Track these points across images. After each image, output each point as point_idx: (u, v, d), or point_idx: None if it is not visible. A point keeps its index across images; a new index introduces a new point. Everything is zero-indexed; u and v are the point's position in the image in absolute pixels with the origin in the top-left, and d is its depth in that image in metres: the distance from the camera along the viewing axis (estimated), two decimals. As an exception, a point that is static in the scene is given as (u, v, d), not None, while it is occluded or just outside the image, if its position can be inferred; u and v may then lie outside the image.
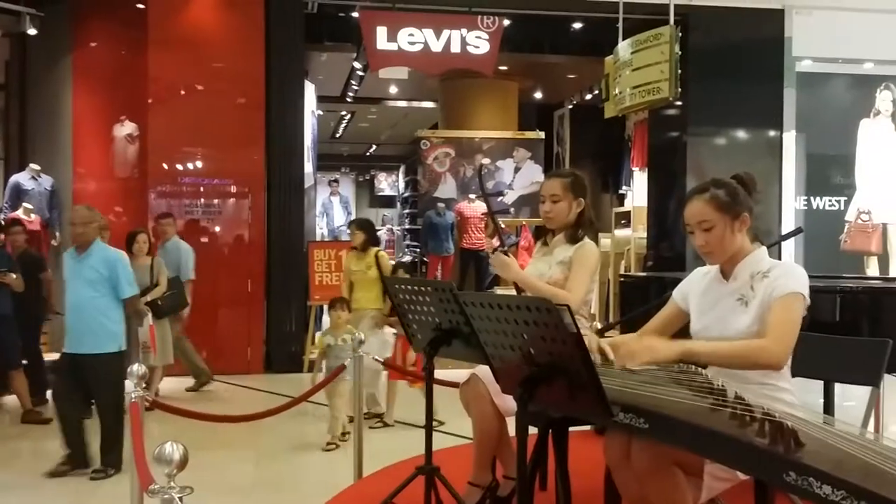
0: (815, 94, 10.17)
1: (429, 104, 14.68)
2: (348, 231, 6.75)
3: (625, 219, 11.31)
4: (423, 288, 3.13)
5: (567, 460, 3.08)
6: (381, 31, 8.50)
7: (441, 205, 11.87)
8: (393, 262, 6.39)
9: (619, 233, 11.25)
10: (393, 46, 8.50)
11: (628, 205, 12.00)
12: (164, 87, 8.10)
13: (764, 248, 2.57)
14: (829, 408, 3.44)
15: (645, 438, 2.23)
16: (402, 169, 20.46)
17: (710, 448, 1.95)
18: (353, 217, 14.87)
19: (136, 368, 3.22)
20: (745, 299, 2.48)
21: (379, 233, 16.93)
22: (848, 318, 3.25)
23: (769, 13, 8.80)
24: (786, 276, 2.42)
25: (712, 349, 2.41)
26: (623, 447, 2.43)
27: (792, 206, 9.45)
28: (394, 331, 5.78)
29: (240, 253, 8.27)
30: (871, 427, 3.87)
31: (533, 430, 3.15)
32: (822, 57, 9.83)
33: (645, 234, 9.98)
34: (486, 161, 11.71)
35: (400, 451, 4.61)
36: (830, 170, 10.22)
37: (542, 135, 12.52)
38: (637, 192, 11.57)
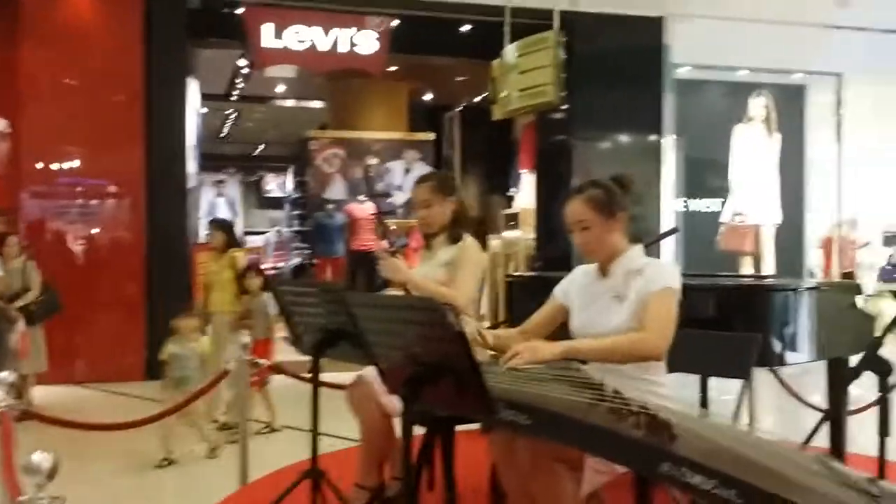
0: (693, 100, 10.59)
1: (317, 104, 14.53)
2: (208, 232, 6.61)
3: (513, 220, 11.47)
4: (310, 290, 3.10)
5: (453, 459, 3.09)
6: (267, 29, 8.35)
7: (330, 206, 11.76)
8: (247, 264, 6.25)
9: (508, 234, 11.40)
10: (279, 44, 8.37)
11: (516, 206, 12.18)
12: (38, 83, 7.73)
13: (639, 247, 2.66)
14: (705, 401, 3.58)
15: (527, 435, 2.27)
16: (290, 170, 20.16)
17: (589, 442, 1.99)
18: (239, 218, 14.59)
19: (6, 376, 3.05)
20: (621, 296, 2.55)
21: (267, 235, 16.70)
22: (723, 314, 3.38)
23: (649, 21, 9.08)
24: (659, 273, 2.52)
25: (594, 345, 2.47)
26: (507, 445, 2.46)
27: (671, 207, 9.79)
28: (248, 334, 5.64)
29: (119, 256, 7.96)
30: (746, 419, 4.05)
31: (422, 430, 3.16)
32: (700, 64, 10.24)
33: (533, 235, 10.15)
34: (374, 162, 11.68)
35: (287, 456, 4.53)
36: (708, 173, 10.66)
37: (432, 136, 12.56)
38: (524, 193, 11.76)
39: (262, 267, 12.38)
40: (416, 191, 3.47)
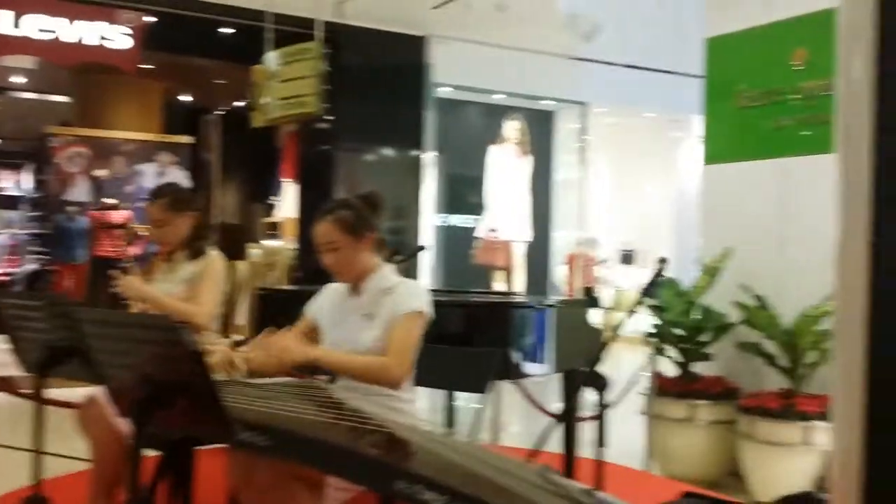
0: (454, 119, 10.97)
1: (62, 98, 13.48)
2: None
3: (274, 229, 11.28)
4: (35, 303, 2.84)
5: (191, 482, 2.95)
6: (4, 15, 7.65)
7: (73, 208, 10.95)
8: None
9: (269, 243, 11.20)
10: (17, 32, 7.69)
11: (278, 215, 12.00)
12: None
13: (390, 266, 2.70)
14: (452, 416, 3.67)
15: (266, 455, 2.21)
16: (28, 167, 18.55)
17: (327, 462, 1.97)
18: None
19: None
20: (372, 315, 2.58)
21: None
22: (469, 330, 3.50)
23: (412, 39, 9.29)
24: (407, 295, 2.57)
25: (340, 360, 2.50)
26: (246, 464, 2.38)
27: (431, 221, 10.06)
28: None
29: None
30: (488, 431, 4.20)
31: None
32: (460, 85, 10.63)
33: (294, 246, 10.03)
34: (123, 163, 11.02)
35: (7, 481, 4.12)
36: (466, 190, 11.07)
37: (189, 140, 12.08)
38: (286, 202, 11.61)
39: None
40: (150, 209, 3.30)
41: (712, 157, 5.42)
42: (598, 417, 1.94)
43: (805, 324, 4.30)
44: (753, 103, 5.09)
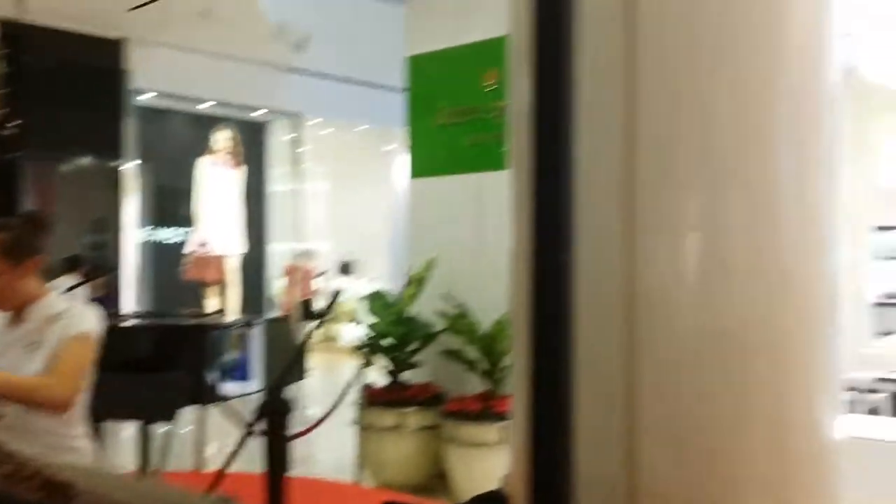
0: (161, 128, 10.42)
1: None
2: None
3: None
4: None
5: None
6: None
7: None
8: None
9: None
10: None
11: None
12: None
13: (56, 292, 2.49)
14: (147, 446, 3.43)
15: None
16: None
17: (-23, 516, 1.74)
18: None
19: None
20: (37, 344, 2.36)
21: None
22: (161, 354, 3.29)
23: (108, 42, 8.72)
24: (77, 318, 2.40)
25: None
26: None
27: (136, 237, 9.48)
28: None
29: None
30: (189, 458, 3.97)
31: None
32: (166, 92, 10.12)
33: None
34: None
35: None
36: (174, 202, 10.54)
37: None
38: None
39: None
40: None
41: (418, 171, 5.60)
42: (282, 441, 1.88)
43: (500, 329, 4.54)
44: (452, 120, 5.31)
